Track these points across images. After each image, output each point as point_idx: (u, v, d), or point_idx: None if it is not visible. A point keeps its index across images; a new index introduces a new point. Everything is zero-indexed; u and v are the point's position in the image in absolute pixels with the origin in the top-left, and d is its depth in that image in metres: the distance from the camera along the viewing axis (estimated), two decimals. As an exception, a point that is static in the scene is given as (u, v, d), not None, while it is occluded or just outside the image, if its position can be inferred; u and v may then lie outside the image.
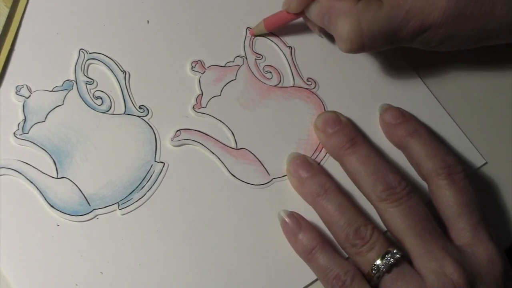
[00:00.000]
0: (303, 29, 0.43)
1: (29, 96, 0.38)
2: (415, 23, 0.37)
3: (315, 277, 0.37)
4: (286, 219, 0.38)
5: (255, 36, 0.42)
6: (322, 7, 0.38)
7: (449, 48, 0.40)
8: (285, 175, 0.39)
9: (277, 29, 0.42)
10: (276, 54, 0.42)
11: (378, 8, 0.37)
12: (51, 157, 0.37)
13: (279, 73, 0.42)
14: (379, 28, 0.37)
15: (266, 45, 0.42)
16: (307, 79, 0.42)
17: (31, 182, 0.36)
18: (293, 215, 0.38)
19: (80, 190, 0.37)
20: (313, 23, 0.41)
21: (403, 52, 0.44)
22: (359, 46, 0.37)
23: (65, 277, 0.35)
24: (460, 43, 0.39)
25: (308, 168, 0.39)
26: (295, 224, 0.37)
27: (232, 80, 0.41)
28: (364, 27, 0.36)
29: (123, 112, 0.39)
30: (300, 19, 0.42)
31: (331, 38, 0.43)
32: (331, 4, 0.38)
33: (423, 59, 0.44)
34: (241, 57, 0.41)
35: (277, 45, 0.42)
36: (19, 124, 0.37)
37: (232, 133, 0.40)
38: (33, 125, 0.37)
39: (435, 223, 0.37)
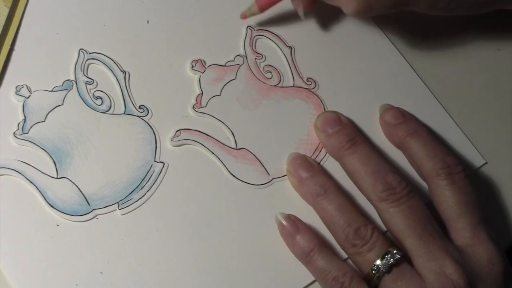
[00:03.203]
0: (303, 29, 0.43)
1: (29, 96, 0.38)
2: None
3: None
4: (283, 222, 0.38)
5: (247, 18, 0.41)
6: None
7: (456, 12, 0.39)
8: (285, 175, 0.39)
9: (269, 7, 0.41)
10: (276, 54, 0.42)
11: None
12: (51, 157, 0.37)
13: (279, 73, 0.42)
14: None
15: (266, 44, 0.42)
16: (307, 79, 0.42)
17: (31, 182, 0.36)
18: (290, 218, 0.38)
19: (80, 190, 0.37)
20: (298, 2, 0.40)
21: (403, 50, 0.44)
22: (366, 4, 0.36)
23: (65, 277, 0.35)
24: (468, 5, 0.38)
25: (308, 168, 0.39)
26: (293, 226, 0.37)
27: (232, 80, 0.41)
28: None
29: (123, 112, 0.39)
30: (297, 16, 0.41)
31: (326, 33, 0.42)
32: None
33: (424, 59, 0.44)
34: (241, 56, 0.41)
35: (277, 45, 0.42)
36: (19, 124, 0.37)
37: (232, 133, 0.40)
38: (33, 125, 0.37)
39: (435, 223, 0.37)
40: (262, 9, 0.41)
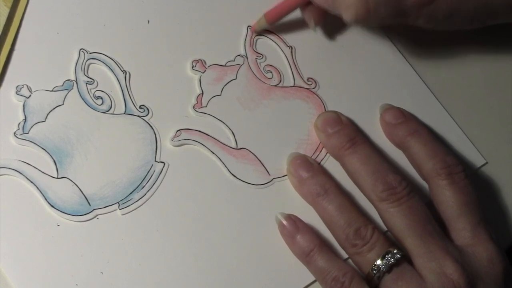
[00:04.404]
0: (303, 29, 0.43)
1: (30, 96, 0.38)
2: None
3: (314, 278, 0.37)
4: (284, 222, 0.38)
5: (257, 32, 0.42)
6: None
7: (451, 26, 0.39)
8: (285, 175, 0.39)
9: (278, 20, 0.41)
10: (276, 54, 0.42)
11: None
12: (51, 157, 0.37)
13: (279, 73, 0.42)
14: None
15: (266, 44, 0.42)
16: (308, 79, 0.42)
17: (31, 182, 0.36)
18: (291, 218, 0.38)
19: (80, 190, 0.37)
20: (309, 14, 0.41)
21: (403, 50, 0.44)
22: (365, 12, 0.36)
23: (65, 277, 0.35)
24: (462, 20, 0.39)
25: (308, 168, 0.39)
26: (293, 226, 0.37)
27: (232, 80, 0.41)
28: None
29: (123, 112, 0.39)
30: (298, 16, 0.42)
31: (327, 33, 0.42)
32: None
33: (424, 59, 0.44)
34: (242, 56, 0.41)
35: (277, 45, 0.42)
36: (19, 124, 0.37)
37: (233, 133, 0.40)
38: (33, 125, 0.37)
39: (435, 223, 0.37)
40: (271, 21, 0.41)
